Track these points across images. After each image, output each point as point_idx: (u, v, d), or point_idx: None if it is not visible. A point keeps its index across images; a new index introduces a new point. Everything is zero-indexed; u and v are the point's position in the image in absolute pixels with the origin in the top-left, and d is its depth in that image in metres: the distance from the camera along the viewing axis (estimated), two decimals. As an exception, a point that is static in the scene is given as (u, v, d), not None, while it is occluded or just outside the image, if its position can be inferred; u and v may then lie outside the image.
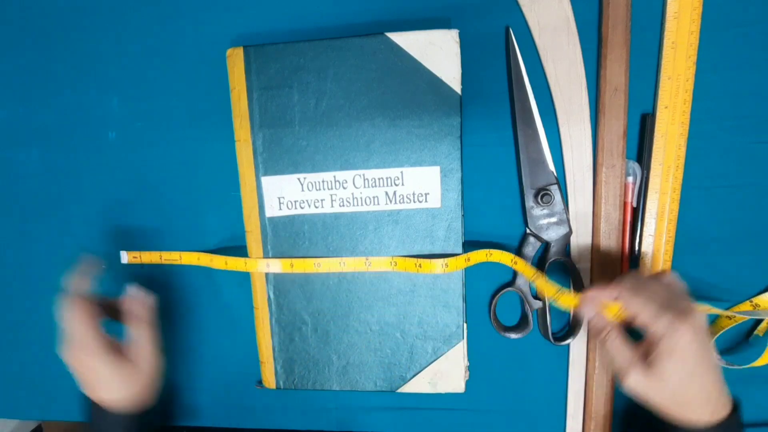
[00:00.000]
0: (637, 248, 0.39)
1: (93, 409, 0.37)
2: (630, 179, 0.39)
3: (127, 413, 0.36)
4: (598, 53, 0.39)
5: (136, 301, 0.38)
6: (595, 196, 0.39)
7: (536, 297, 0.40)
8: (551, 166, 0.38)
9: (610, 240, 0.39)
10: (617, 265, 0.39)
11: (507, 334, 0.41)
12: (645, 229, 0.39)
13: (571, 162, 0.39)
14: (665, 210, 0.39)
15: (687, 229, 0.39)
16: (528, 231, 0.39)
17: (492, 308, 0.41)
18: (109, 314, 0.38)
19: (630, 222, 0.39)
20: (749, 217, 0.39)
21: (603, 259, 0.39)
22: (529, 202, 0.39)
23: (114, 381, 0.35)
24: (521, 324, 0.41)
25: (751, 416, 0.41)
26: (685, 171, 0.38)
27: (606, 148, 0.38)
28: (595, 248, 0.39)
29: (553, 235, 0.39)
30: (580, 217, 0.40)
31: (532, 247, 0.39)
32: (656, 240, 0.39)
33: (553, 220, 0.39)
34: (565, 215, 0.38)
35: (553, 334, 0.40)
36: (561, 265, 0.40)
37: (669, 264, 0.39)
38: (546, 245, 0.39)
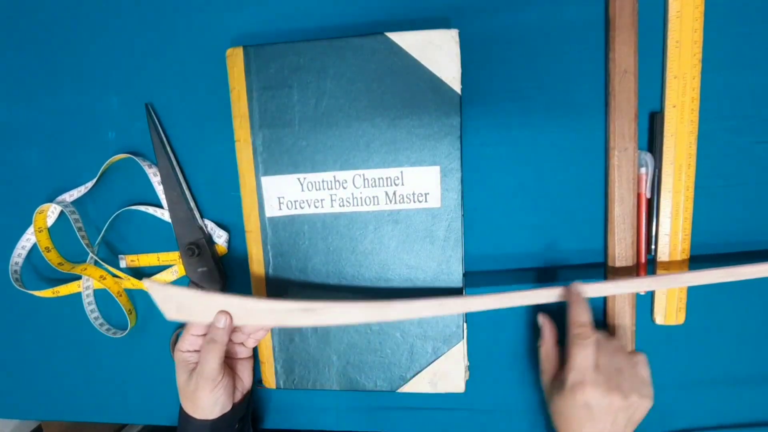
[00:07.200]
0: (653, 248, 0.39)
1: (183, 416, 0.40)
2: (642, 170, 0.39)
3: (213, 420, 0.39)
4: (606, 36, 0.38)
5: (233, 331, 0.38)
6: (608, 181, 0.39)
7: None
8: (200, 222, 0.43)
9: (625, 224, 0.39)
10: (632, 248, 0.39)
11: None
12: (660, 228, 0.39)
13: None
14: (680, 209, 0.39)
15: (702, 227, 0.39)
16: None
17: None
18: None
19: (646, 210, 0.39)
20: (763, 216, 0.39)
21: (618, 242, 0.39)
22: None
23: (218, 406, 0.39)
24: None
25: (751, 416, 0.41)
26: (697, 170, 0.38)
27: (617, 131, 0.38)
28: (609, 232, 0.39)
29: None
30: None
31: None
32: (672, 239, 0.39)
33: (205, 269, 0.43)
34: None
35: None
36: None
37: (686, 265, 0.39)
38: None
